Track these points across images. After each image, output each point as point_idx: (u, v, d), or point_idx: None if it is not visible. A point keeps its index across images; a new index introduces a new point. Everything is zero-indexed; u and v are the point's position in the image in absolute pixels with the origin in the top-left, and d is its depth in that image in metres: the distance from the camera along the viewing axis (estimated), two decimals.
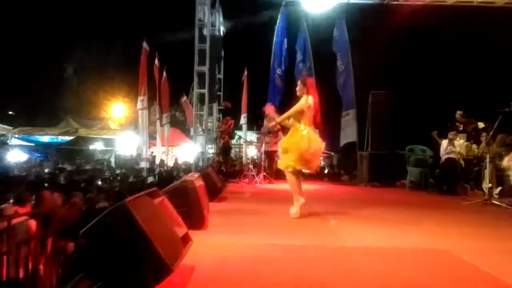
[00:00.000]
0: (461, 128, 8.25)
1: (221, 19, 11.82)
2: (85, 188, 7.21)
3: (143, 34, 8.47)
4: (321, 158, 4.88)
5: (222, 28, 11.53)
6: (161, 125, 8.87)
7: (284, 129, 5.53)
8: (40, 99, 23.23)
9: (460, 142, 7.91)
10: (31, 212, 4.83)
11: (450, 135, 7.90)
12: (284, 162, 4.62)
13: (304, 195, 4.68)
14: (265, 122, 10.18)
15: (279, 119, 4.75)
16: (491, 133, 6.46)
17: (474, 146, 8.06)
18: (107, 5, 22.76)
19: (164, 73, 9.15)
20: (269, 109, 4.93)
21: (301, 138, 4.52)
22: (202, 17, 10.07)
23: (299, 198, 4.59)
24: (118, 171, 10.66)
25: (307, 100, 4.56)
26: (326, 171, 12.16)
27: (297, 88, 4.72)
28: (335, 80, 11.92)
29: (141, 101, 8.19)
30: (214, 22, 11.00)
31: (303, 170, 4.69)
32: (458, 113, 8.46)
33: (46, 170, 9.72)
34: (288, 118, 4.66)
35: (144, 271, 2.00)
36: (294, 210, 4.58)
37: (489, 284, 2.56)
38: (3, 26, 21.39)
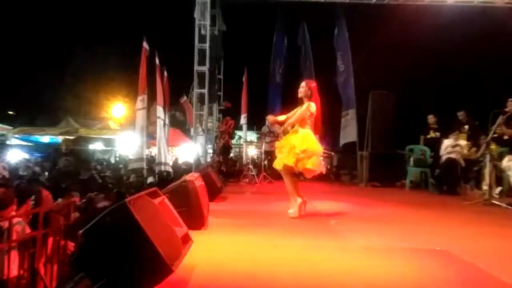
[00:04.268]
0: (465, 128, 8.27)
1: (221, 18, 11.82)
2: (85, 188, 7.20)
3: (143, 34, 8.45)
4: (321, 162, 4.79)
5: (222, 28, 11.51)
6: (164, 125, 8.83)
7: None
8: (40, 99, 23.21)
9: (463, 143, 7.93)
10: (31, 211, 4.82)
11: (453, 135, 7.90)
12: (277, 161, 4.65)
13: (302, 195, 4.68)
14: (267, 121, 10.20)
15: (282, 127, 4.73)
16: (491, 134, 6.46)
17: (474, 149, 8.09)
18: (106, 5, 22.77)
19: (165, 73, 9.13)
20: (270, 118, 4.94)
21: (294, 136, 4.56)
22: (202, 17, 10.07)
23: (296, 198, 4.60)
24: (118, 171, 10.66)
25: (308, 108, 4.56)
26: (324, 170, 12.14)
27: (301, 90, 4.68)
28: (335, 80, 11.93)
29: (141, 101, 8.15)
30: (214, 22, 11.00)
31: (297, 171, 4.61)
32: (460, 114, 8.49)
33: (38, 170, 9.69)
34: (292, 125, 4.63)
35: (144, 271, 2.00)
36: (292, 210, 4.59)
37: (489, 284, 2.56)
38: (3, 26, 21.40)
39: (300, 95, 4.69)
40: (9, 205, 4.67)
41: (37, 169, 10.26)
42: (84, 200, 5.80)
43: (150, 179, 8.23)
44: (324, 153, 5.04)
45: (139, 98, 8.17)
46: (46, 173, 9.34)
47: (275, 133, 9.54)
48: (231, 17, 12.16)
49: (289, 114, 4.78)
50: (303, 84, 4.74)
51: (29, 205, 4.96)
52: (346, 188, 8.83)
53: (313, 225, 4.33)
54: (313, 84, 4.76)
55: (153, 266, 2.02)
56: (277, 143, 4.98)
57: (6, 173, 9.03)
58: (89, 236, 2.04)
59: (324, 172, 4.82)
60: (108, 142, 18.36)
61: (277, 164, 4.62)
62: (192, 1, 10.07)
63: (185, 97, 12.57)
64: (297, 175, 4.66)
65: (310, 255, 3.11)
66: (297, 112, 4.63)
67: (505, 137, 6.85)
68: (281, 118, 4.90)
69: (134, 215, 2.03)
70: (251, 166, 9.41)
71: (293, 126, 4.66)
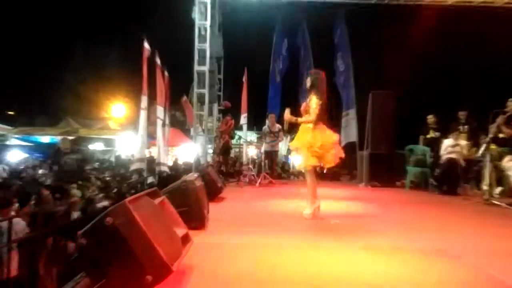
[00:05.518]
0: (465, 129, 8.28)
1: (221, 18, 11.82)
2: (85, 187, 7.22)
3: (143, 34, 8.44)
4: (339, 149, 4.70)
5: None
6: (164, 125, 8.82)
7: (290, 130, 5.51)
8: (40, 99, 23.21)
9: (463, 143, 7.94)
10: (31, 211, 4.83)
11: (453, 135, 7.91)
12: (299, 163, 4.64)
13: (318, 197, 4.68)
14: (267, 122, 10.18)
15: (299, 119, 4.66)
16: (490, 134, 6.47)
17: (474, 149, 8.10)
18: (107, 5, 22.78)
19: (166, 73, 9.12)
20: (287, 115, 4.81)
21: (306, 134, 4.55)
22: (202, 17, 10.07)
23: (315, 200, 4.61)
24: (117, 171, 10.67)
25: (316, 102, 4.53)
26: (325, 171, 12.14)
27: (307, 83, 4.74)
28: (335, 80, 11.93)
29: (144, 101, 8.18)
30: (214, 22, 11.00)
31: (318, 169, 4.60)
32: (461, 114, 8.50)
33: (41, 171, 9.69)
34: (305, 122, 4.62)
35: (144, 271, 2.00)
36: (308, 211, 4.58)
37: (489, 284, 2.56)
38: (3, 26, 21.41)
39: (306, 86, 4.75)
40: (9, 206, 4.69)
41: (37, 169, 10.27)
42: (84, 200, 5.81)
43: (150, 179, 8.24)
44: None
45: (143, 97, 8.20)
46: (44, 173, 9.35)
47: (275, 133, 9.54)
48: (231, 17, 12.15)
49: (304, 107, 4.72)
50: (308, 78, 4.76)
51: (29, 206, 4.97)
52: (346, 188, 8.83)
53: (313, 225, 4.34)
54: (315, 76, 4.73)
55: (153, 266, 2.01)
56: (291, 145, 4.96)
57: (5, 175, 9.04)
58: (89, 236, 2.04)
59: (343, 156, 4.71)
60: (108, 142, 18.36)
61: (302, 166, 4.62)
62: (192, 1, 10.07)
63: (185, 97, 12.57)
64: (317, 173, 4.61)
65: (310, 255, 3.11)
66: (311, 112, 4.56)
67: (500, 136, 6.85)
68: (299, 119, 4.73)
69: (134, 215, 2.03)
70: (251, 166, 9.40)
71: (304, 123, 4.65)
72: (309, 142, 4.48)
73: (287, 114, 4.73)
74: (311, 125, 4.56)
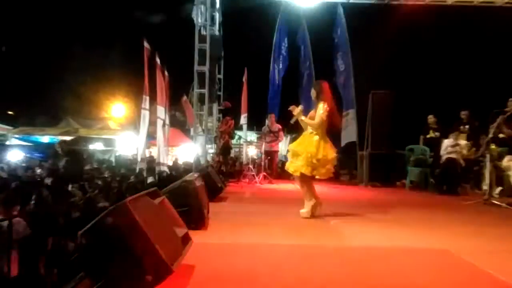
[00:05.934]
0: (466, 128, 8.29)
1: (221, 18, 11.83)
2: (85, 187, 7.20)
3: (143, 34, 8.43)
4: (333, 166, 4.82)
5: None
6: (164, 125, 8.82)
7: (291, 130, 5.57)
8: (40, 99, 23.21)
9: (463, 143, 7.95)
10: (33, 211, 4.82)
11: (453, 135, 7.92)
12: (292, 166, 4.67)
13: (318, 196, 4.71)
14: (267, 121, 10.19)
15: (303, 118, 4.72)
16: (490, 134, 6.47)
17: (474, 149, 8.11)
18: (107, 5, 22.78)
19: (166, 73, 9.13)
20: (296, 109, 4.82)
21: (310, 143, 4.58)
22: (202, 17, 10.08)
23: (311, 199, 4.64)
24: (118, 171, 10.65)
25: (323, 109, 4.58)
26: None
27: (312, 93, 4.79)
28: (335, 80, 11.92)
29: (145, 101, 8.18)
30: (214, 22, 11.00)
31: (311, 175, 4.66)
32: (463, 114, 8.50)
33: (40, 171, 9.66)
34: (307, 125, 4.71)
35: (144, 271, 2.00)
36: (304, 210, 4.62)
37: (489, 284, 2.56)
38: (3, 26, 21.41)
39: (313, 98, 4.80)
40: (14, 205, 4.69)
41: (37, 169, 10.26)
42: (84, 200, 5.80)
43: (150, 179, 8.23)
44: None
45: (144, 98, 8.20)
46: (44, 173, 9.33)
47: (275, 133, 9.55)
48: (231, 17, 12.16)
49: (311, 114, 4.78)
50: (312, 89, 4.84)
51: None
52: (346, 188, 8.83)
53: (313, 225, 4.34)
54: (323, 83, 4.81)
55: (153, 266, 2.01)
56: (290, 146, 5.00)
57: (5, 175, 9.03)
58: (89, 236, 2.04)
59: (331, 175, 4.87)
60: (108, 142, 18.36)
61: (293, 171, 4.67)
62: (192, 1, 10.08)
63: (185, 97, 12.58)
64: (309, 177, 4.67)
65: (310, 255, 3.11)
66: (316, 116, 4.62)
67: (500, 136, 6.85)
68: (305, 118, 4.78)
69: (134, 215, 2.02)
70: (251, 166, 9.41)
71: (307, 126, 4.71)
72: (311, 152, 4.51)
73: (298, 109, 4.73)
74: (315, 134, 4.59)
